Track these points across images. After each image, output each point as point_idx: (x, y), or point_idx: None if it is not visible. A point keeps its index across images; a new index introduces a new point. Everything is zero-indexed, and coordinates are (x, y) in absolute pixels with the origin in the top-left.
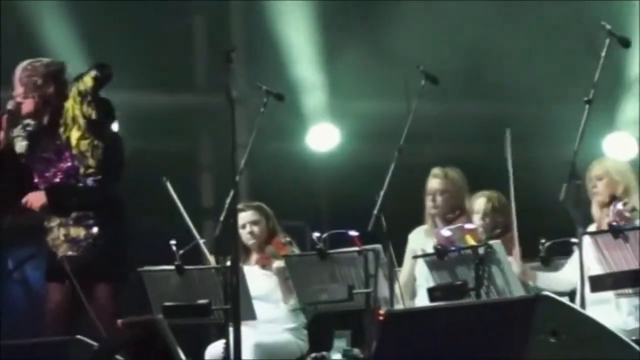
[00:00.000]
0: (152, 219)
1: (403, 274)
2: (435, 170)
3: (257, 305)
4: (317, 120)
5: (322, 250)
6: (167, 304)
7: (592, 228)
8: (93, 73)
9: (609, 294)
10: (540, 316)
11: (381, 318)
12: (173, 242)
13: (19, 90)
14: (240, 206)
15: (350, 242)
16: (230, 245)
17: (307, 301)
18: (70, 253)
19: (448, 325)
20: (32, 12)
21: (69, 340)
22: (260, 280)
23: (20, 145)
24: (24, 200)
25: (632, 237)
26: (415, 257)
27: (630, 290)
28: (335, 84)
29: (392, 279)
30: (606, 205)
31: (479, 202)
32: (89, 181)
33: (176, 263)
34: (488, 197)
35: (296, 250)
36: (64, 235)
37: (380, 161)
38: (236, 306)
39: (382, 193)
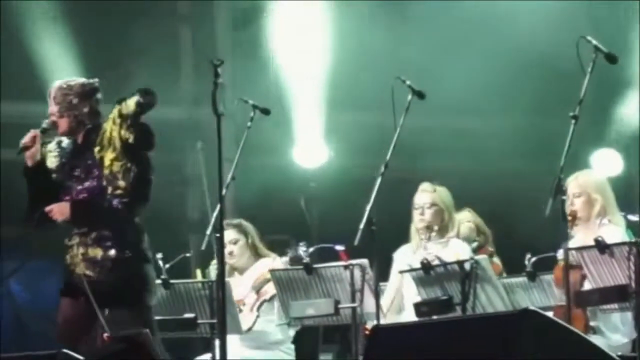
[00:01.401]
0: None
1: (388, 292)
2: (424, 185)
3: (243, 319)
4: (305, 135)
5: (309, 265)
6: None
7: (571, 244)
8: (136, 98)
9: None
10: (526, 331)
11: (367, 333)
12: (159, 255)
13: (53, 108)
14: None
15: (337, 256)
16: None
17: (293, 315)
18: (87, 272)
19: (434, 340)
20: (21, 25)
21: (55, 354)
22: (246, 293)
23: (52, 161)
24: (47, 208)
25: (617, 253)
26: (402, 272)
27: (616, 306)
28: (325, 97)
29: (378, 293)
30: (584, 221)
31: (463, 228)
32: (115, 202)
33: (162, 277)
34: (472, 221)
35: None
36: (82, 254)
37: (369, 175)
38: (222, 320)
39: (368, 207)
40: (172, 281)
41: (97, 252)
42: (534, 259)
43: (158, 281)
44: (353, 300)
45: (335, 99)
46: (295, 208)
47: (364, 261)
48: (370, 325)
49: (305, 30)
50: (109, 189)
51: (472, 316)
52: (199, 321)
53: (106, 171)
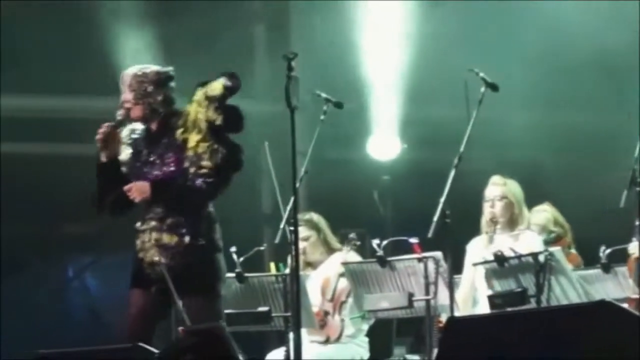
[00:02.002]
0: None
1: (463, 284)
2: (495, 178)
3: (330, 328)
4: (379, 128)
5: (382, 258)
6: (227, 311)
7: None
8: (222, 81)
9: None
10: (602, 323)
11: (442, 325)
12: (233, 249)
13: (127, 95)
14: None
15: (411, 249)
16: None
17: (367, 308)
18: (156, 259)
19: (509, 333)
20: (99, 22)
21: (131, 348)
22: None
23: (125, 153)
24: (126, 188)
25: None
26: (476, 264)
27: None
28: (397, 90)
29: (452, 286)
30: None
31: (540, 217)
32: (199, 181)
33: (237, 271)
34: (550, 212)
35: (357, 257)
36: (156, 239)
37: (442, 168)
38: (297, 314)
39: (442, 200)
40: (246, 274)
41: (172, 239)
42: (608, 250)
43: (232, 274)
44: (427, 293)
45: (407, 91)
46: (369, 201)
47: (438, 254)
48: (444, 318)
49: (377, 23)
50: (192, 169)
51: (548, 308)
52: (273, 314)
53: (190, 152)
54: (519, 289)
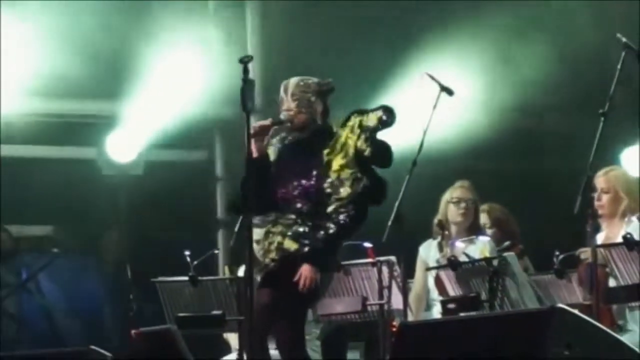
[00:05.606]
0: (168, 229)
1: (415, 285)
2: (464, 182)
3: None
4: None
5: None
6: (181, 314)
7: (599, 237)
8: (380, 114)
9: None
10: (554, 329)
11: (395, 330)
12: (187, 252)
13: (291, 104)
14: None
15: (365, 253)
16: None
17: (321, 312)
18: (275, 257)
19: (462, 338)
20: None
21: (84, 351)
22: None
23: (271, 156)
24: (302, 279)
25: None
26: (429, 269)
27: None
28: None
29: (405, 291)
30: (611, 218)
31: (480, 217)
32: (341, 217)
33: (190, 274)
34: (488, 210)
35: None
36: (278, 242)
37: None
38: (250, 317)
39: (396, 204)
40: (199, 278)
41: (292, 245)
42: (562, 256)
43: (185, 278)
44: (381, 297)
45: None
46: None
47: (392, 258)
48: (397, 322)
49: None
50: (329, 191)
51: (500, 313)
52: (227, 318)
53: (333, 175)
54: (472, 294)
